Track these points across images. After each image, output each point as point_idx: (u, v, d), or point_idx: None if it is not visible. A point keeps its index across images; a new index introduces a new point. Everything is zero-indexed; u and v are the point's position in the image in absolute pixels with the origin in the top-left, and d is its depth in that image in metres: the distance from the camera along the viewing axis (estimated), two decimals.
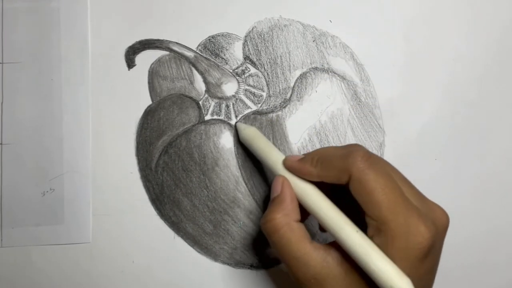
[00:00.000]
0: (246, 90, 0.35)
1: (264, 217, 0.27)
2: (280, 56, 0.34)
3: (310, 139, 0.34)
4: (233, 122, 0.34)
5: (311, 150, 0.33)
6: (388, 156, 0.34)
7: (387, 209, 0.24)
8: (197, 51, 0.35)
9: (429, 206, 0.26)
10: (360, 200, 0.24)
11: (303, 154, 0.29)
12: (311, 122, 0.34)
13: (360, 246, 0.24)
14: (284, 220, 0.26)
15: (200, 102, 0.34)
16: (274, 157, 0.29)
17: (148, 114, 0.34)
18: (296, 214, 0.27)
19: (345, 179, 0.25)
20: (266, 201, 0.33)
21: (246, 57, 0.35)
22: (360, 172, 0.24)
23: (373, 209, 0.24)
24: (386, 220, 0.23)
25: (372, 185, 0.24)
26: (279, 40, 0.35)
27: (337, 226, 0.25)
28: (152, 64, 0.34)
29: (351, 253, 0.24)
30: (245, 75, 0.35)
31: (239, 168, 0.33)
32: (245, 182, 0.33)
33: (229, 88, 0.34)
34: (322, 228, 0.29)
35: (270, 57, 0.34)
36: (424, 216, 0.24)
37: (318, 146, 0.34)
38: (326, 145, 0.34)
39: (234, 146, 0.34)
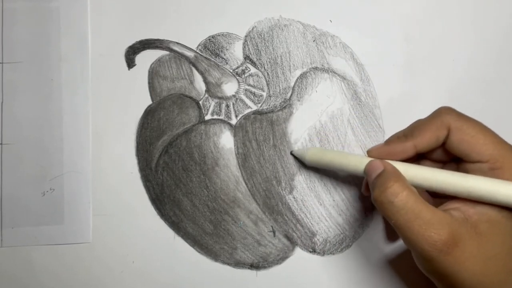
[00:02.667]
0: (246, 90, 0.35)
1: (376, 188, 0.25)
2: (280, 56, 0.34)
3: (310, 139, 0.34)
4: (233, 122, 0.34)
5: None
6: None
7: (497, 146, 0.25)
8: (197, 51, 0.35)
9: None
10: (465, 148, 0.26)
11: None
12: (311, 122, 0.34)
13: (493, 183, 0.24)
14: (402, 184, 0.25)
15: (200, 102, 0.34)
16: (355, 157, 0.29)
17: (148, 114, 0.34)
18: (407, 180, 0.26)
19: (444, 134, 0.26)
20: (266, 201, 0.33)
21: (246, 57, 0.35)
22: (459, 122, 0.26)
23: (484, 150, 0.25)
24: (499, 156, 0.25)
25: (475, 130, 0.26)
26: (279, 40, 0.35)
27: (460, 179, 0.25)
28: (152, 64, 0.34)
29: (486, 195, 0.24)
30: (245, 75, 0.35)
31: (239, 168, 0.33)
32: (245, 182, 0.33)
33: (229, 88, 0.34)
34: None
35: (270, 57, 0.34)
36: None
37: (318, 146, 0.34)
38: (326, 145, 0.34)
39: (234, 146, 0.34)
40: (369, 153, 0.29)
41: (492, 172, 0.25)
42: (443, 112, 0.27)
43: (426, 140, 0.27)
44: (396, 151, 0.28)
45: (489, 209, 0.25)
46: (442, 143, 0.27)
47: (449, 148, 0.27)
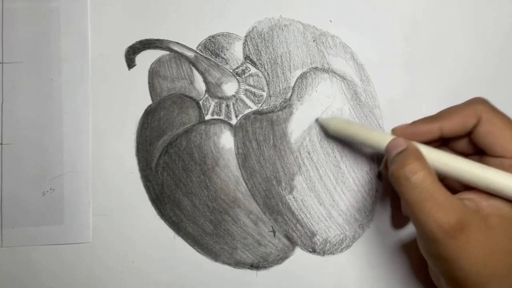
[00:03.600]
0: (246, 90, 0.35)
1: (395, 163, 0.25)
2: (280, 56, 0.34)
3: (310, 139, 0.34)
4: (233, 122, 0.34)
5: (311, 151, 0.33)
6: None
7: None
8: (197, 51, 0.35)
9: None
10: (491, 141, 0.26)
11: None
12: (311, 122, 0.34)
13: None
14: (422, 164, 0.25)
15: (200, 102, 0.34)
16: (379, 133, 0.29)
17: (148, 114, 0.34)
18: (428, 162, 0.26)
19: (472, 123, 0.27)
20: (267, 201, 0.33)
21: (246, 57, 0.35)
22: (491, 113, 0.26)
23: (509, 145, 0.26)
24: None
25: (505, 124, 0.26)
26: (279, 40, 0.35)
27: (481, 170, 0.25)
28: (152, 64, 0.34)
29: (504, 189, 0.25)
30: (245, 75, 0.35)
31: (239, 168, 0.33)
32: (245, 182, 0.33)
33: (229, 88, 0.34)
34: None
35: (270, 57, 0.34)
36: None
37: (318, 146, 0.34)
38: (326, 145, 0.34)
39: (235, 146, 0.34)
40: (394, 131, 0.29)
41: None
42: (477, 101, 0.27)
43: (453, 124, 0.27)
44: (421, 131, 0.28)
45: (503, 204, 0.25)
46: (469, 133, 0.27)
47: (475, 139, 0.27)
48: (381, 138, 0.29)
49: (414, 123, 0.29)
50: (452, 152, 0.29)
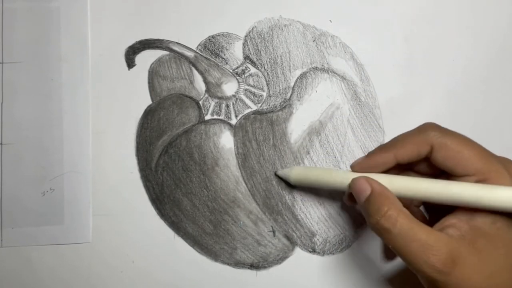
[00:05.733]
0: (246, 90, 0.35)
1: (371, 217, 0.25)
2: (280, 56, 0.34)
3: (310, 139, 0.34)
4: (233, 122, 0.34)
5: (311, 151, 0.33)
6: None
7: (482, 160, 0.25)
8: (197, 51, 0.35)
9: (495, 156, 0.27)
10: (451, 163, 0.26)
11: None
12: (311, 122, 0.34)
13: (477, 188, 0.25)
14: (396, 208, 0.25)
15: (200, 102, 0.34)
16: (339, 173, 0.29)
17: (148, 114, 0.34)
18: (399, 202, 0.26)
19: (426, 150, 0.27)
20: (266, 201, 0.33)
21: (246, 57, 0.35)
22: (442, 138, 0.26)
23: (469, 164, 0.25)
24: (485, 169, 0.25)
25: (459, 145, 0.26)
26: (279, 40, 0.35)
27: (444, 186, 0.25)
28: (152, 64, 0.34)
29: (471, 200, 0.25)
30: (245, 75, 0.35)
31: (239, 168, 0.33)
32: (245, 182, 0.33)
33: (229, 88, 0.34)
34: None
35: (270, 57, 0.34)
36: (505, 160, 0.26)
37: (318, 146, 0.34)
38: (326, 145, 0.34)
39: (234, 146, 0.34)
40: (352, 168, 0.29)
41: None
42: (427, 128, 0.27)
43: (407, 153, 0.27)
44: (378, 163, 0.28)
45: (482, 223, 0.25)
46: (426, 158, 0.27)
47: (435, 164, 0.27)
48: (343, 179, 0.29)
49: (369, 155, 0.29)
50: (417, 175, 0.29)
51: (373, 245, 0.34)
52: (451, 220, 0.26)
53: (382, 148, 0.28)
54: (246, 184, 0.33)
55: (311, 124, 0.34)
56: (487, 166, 0.25)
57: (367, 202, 0.26)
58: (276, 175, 0.33)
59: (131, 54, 0.34)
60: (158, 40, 0.34)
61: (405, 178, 0.27)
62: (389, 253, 0.34)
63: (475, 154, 0.26)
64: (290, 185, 0.33)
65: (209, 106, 0.34)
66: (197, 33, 0.35)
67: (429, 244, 0.24)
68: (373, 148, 0.30)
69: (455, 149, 0.26)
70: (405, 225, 0.24)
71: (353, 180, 0.27)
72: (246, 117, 0.34)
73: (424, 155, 0.27)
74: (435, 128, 0.27)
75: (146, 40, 0.34)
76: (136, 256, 0.33)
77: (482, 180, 0.25)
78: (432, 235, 0.24)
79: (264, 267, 0.34)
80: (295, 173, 0.32)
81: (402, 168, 0.29)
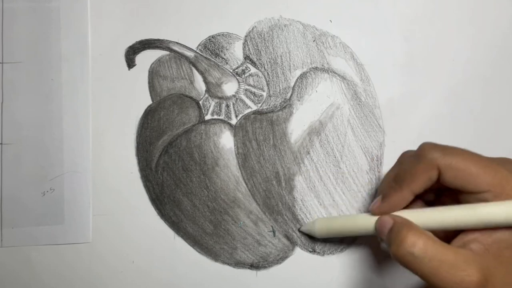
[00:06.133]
0: (246, 90, 0.35)
1: (392, 245, 0.25)
2: (280, 56, 0.34)
3: (310, 139, 0.34)
4: (233, 122, 0.34)
5: (311, 151, 0.33)
6: (388, 156, 0.34)
7: (491, 173, 0.25)
8: (197, 51, 0.35)
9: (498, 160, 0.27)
10: (461, 183, 0.25)
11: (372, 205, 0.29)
12: (311, 122, 0.34)
13: (504, 206, 0.24)
14: (417, 231, 0.24)
15: (200, 102, 0.34)
16: (360, 219, 0.29)
17: (148, 114, 0.34)
18: (419, 227, 0.25)
19: (435, 174, 0.26)
20: (266, 201, 0.33)
21: (246, 57, 0.35)
22: (445, 159, 0.25)
23: (480, 181, 0.25)
24: (497, 182, 0.24)
25: (464, 163, 0.25)
26: (279, 40, 0.35)
27: (471, 212, 0.25)
28: (152, 64, 0.34)
29: (503, 220, 0.24)
30: (245, 75, 0.35)
31: (239, 168, 0.33)
32: (245, 182, 0.33)
33: (229, 88, 0.34)
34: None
35: (270, 57, 0.34)
36: (505, 162, 0.26)
37: (318, 146, 0.34)
38: (326, 145, 0.34)
39: (235, 146, 0.34)
40: (373, 212, 0.29)
41: (496, 199, 0.25)
42: (427, 150, 0.26)
43: (420, 184, 0.26)
44: (397, 203, 0.27)
45: (505, 235, 0.24)
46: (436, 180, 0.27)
47: (445, 184, 0.26)
48: (367, 223, 0.28)
49: (385, 196, 0.28)
50: (421, 203, 0.29)
51: (373, 245, 0.34)
52: (471, 235, 0.25)
53: (395, 187, 0.27)
54: (246, 184, 0.33)
55: (311, 124, 0.34)
56: (497, 178, 0.25)
57: (389, 233, 0.26)
58: (299, 231, 0.33)
59: (131, 54, 0.34)
60: (158, 40, 0.34)
61: (428, 210, 0.27)
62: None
63: (481, 168, 0.25)
64: (316, 239, 0.33)
65: (209, 106, 0.34)
66: (197, 33, 0.35)
67: (458, 265, 0.23)
68: (380, 180, 0.30)
69: (461, 168, 0.25)
70: (429, 247, 0.23)
71: (378, 219, 0.27)
72: (246, 117, 0.34)
73: (435, 179, 0.26)
74: (434, 149, 0.26)
75: (146, 40, 0.34)
76: (136, 256, 0.33)
77: (498, 193, 0.24)
78: (459, 254, 0.23)
79: (264, 267, 0.34)
80: (318, 227, 0.32)
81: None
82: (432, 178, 0.26)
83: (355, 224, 0.30)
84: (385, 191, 0.28)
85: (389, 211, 0.28)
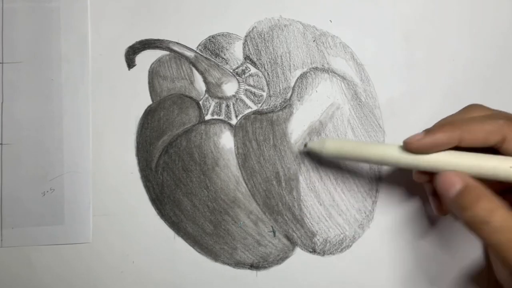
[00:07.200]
0: (246, 90, 0.35)
1: (465, 210, 0.24)
2: (281, 56, 0.34)
3: (310, 139, 0.34)
4: (233, 122, 0.34)
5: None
6: None
7: None
8: (197, 51, 0.34)
9: None
10: None
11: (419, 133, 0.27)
12: (311, 122, 0.34)
13: None
14: (493, 200, 0.24)
15: (200, 102, 0.34)
16: (385, 148, 0.28)
17: (148, 114, 0.34)
18: (494, 196, 0.24)
19: (495, 140, 0.25)
20: (267, 201, 0.33)
21: (246, 57, 0.35)
22: None
23: None
24: None
25: None
26: (279, 40, 0.35)
27: None
28: (152, 64, 0.34)
29: None
30: (246, 75, 0.35)
31: (240, 168, 0.33)
32: (245, 182, 0.33)
33: (229, 88, 0.34)
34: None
35: (270, 57, 0.34)
36: None
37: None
38: None
39: (235, 146, 0.34)
40: (408, 144, 0.27)
41: None
42: (501, 117, 0.26)
43: (474, 138, 0.26)
44: (442, 142, 0.26)
45: None
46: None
47: (503, 152, 0.25)
48: (391, 154, 0.27)
49: (431, 132, 0.26)
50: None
51: (373, 245, 0.34)
52: None
53: (447, 126, 0.26)
54: (246, 184, 0.33)
55: (311, 124, 0.34)
56: None
57: (459, 196, 0.25)
58: (305, 147, 0.32)
59: (131, 54, 0.34)
60: (158, 40, 0.34)
61: (483, 156, 0.25)
62: (441, 208, 0.31)
63: None
64: (322, 160, 0.31)
65: (209, 106, 0.34)
66: (197, 33, 0.35)
67: None
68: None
69: None
70: (506, 217, 0.23)
71: (442, 174, 0.26)
72: (246, 117, 0.34)
73: (491, 144, 0.25)
74: (509, 119, 0.26)
75: (146, 40, 0.34)
76: (136, 256, 0.33)
77: None
78: None
79: (264, 267, 0.34)
80: (328, 145, 0.30)
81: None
82: (489, 141, 0.25)
83: (377, 149, 0.28)
84: (432, 127, 0.27)
85: (428, 147, 0.26)
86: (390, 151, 0.28)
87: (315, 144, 0.31)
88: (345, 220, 0.34)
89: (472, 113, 0.28)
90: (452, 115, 0.29)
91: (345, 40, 0.35)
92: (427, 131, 0.27)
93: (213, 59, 0.34)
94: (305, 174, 0.33)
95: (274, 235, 0.34)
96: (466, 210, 0.24)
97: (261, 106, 0.34)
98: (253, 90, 0.35)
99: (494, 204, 0.23)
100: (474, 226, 0.24)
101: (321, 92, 0.34)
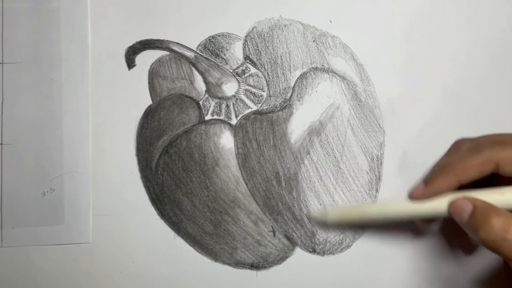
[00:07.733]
0: (246, 90, 0.35)
1: (480, 230, 0.24)
2: (280, 56, 0.34)
3: (310, 139, 0.34)
4: (233, 122, 0.34)
5: (311, 151, 0.33)
6: (388, 156, 0.34)
7: None
8: (197, 51, 0.35)
9: None
10: None
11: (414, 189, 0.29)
12: (311, 122, 0.34)
13: None
14: (505, 215, 0.24)
15: (200, 102, 0.34)
16: (392, 203, 0.29)
17: (148, 114, 0.34)
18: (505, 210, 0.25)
19: (490, 169, 0.26)
20: (267, 201, 0.33)
21: (246, 57, 0.35)
22: (505, 152, 0.26)
23: None
24: None
25: None
26: (279, 40, 0.35)
27: None
28: (152, 64, 0.34)
29: None
30: (245, 75, 0.35)
31: (239, 168, 0.33)
32: (245, 182, 0.33)
33: (229, 88, 0.34)
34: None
35: (270, 57, 0.35)
36: None
37: (318, 146, 0.34)
38: (326, 145, 0.34)
39: (235, 146, 0.34)
40: (412, 195, 0.28)
41: None
42: (486, 146, 0.26)
43: (471, 176, 0.27)
44: (441, 188, 0.27)
45: None
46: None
47: (505, 175, 0.26)
48: (400, 208, 0.28)
49: (430, 183, 0.28)
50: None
51: (373, 245, 0.34)
52: None
53: (443, 173, 0.27)
54: (246, 184, 0.33)
55: (311, 124, 0.34)
56: None
57: (471, 217, 0.25)
58: (308, 217, 0.33)
59: (131, 54, 0.34)
60: (158, 40, 0.34)
61: (499, 190, 0.27)
62: (468, 247, 0.32)
63: None
64: (325, 226, 0.33)
65: (209, 106, 0.34)
66: (197, 33, 0.35)
67: None
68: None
69: None
70: None
71: (452, 203, 0.27)
72: (246, 117, 0.34)
73: (487, 173, 0.26)
74: (493, 144, 0.26)
75: (146, 40, 0.34)
76: (136, 256, 0.33)
77: None
78: None
79: (265, 267, 0.34)
80: (331, 211, 0.31)
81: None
82: (484, 172, 0.26)
83: (384, 209, 0.29)
84: (430, 177, 0.28)
85: (431, 196, 0.27)
86: (393, 204, 0.29)
87: (317, 215, 0.32)
88: None
89: (460, 150, 0.29)
90: (443, 158, 0.30)
91: (345, 40, 0.35)
92: (427, 182, 0.28)
93: (213, 59, 0.34)
94: (305, 174, 0.33)
95: (274, 235, 0.34)
96: (479, 229, 0.25)
97: (261, 106, 0.34)
98: (253, 90, 0.35)
99: (508, 219, 0.24)
100: (494, 245, 0.24)
101: (321, 92, 0.34)
